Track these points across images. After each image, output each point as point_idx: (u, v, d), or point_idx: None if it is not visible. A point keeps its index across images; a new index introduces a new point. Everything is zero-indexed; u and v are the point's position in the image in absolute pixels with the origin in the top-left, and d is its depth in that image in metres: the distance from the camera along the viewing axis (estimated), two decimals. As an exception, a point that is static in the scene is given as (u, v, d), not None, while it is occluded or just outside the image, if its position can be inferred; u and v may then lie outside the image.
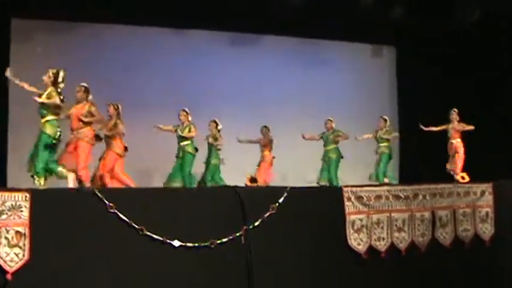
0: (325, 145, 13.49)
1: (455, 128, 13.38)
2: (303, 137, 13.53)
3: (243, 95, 15.66)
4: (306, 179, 13.93)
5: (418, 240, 11.57)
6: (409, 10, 15.68)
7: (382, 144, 13.52)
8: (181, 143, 12.21)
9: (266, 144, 13.57)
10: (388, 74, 18.18)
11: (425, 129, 13.44)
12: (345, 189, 11.17)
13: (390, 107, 14.56)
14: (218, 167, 12.98)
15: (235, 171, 12.95)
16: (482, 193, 12.24)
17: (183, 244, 9.68)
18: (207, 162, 12.96)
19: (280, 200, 10.44)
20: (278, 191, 10.71)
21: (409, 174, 16.19)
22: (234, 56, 16.03)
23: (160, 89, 14.75)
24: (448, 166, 13.36)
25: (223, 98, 14.80)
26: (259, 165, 13.56)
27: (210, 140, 12.79)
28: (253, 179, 11.79)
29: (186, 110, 12.29)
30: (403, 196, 11.52)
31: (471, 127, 13.25)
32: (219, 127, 12.92)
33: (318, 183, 13.20)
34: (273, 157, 13.73)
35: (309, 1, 14.82)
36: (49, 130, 9.76)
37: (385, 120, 13.57)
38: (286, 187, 10.81)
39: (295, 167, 15.27)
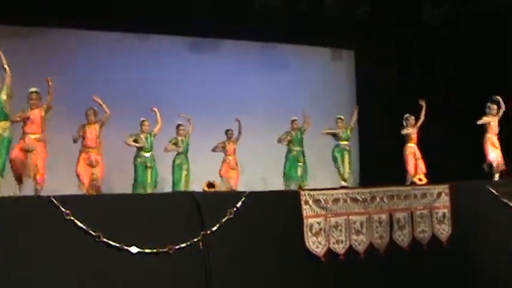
0: (293, 146, 13.45)
1: (413, 132, 13.53)
2: (279, 141, 13.48)
3: (205, 99, 15.61)
4: (271, 183, 14.03)
5: (376, 243, 11.66)
6: (368, 14, 15.80)
7: (343, 143, 13.59)
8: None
9: (231, 148, 13.53)
10: (348, 77, 18.34)
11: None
12: (302, 192, 11.23)
13: (350, 110, 14.62)
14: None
15: (201, 176, 12.76)
16: (439, 194, 12.34)
17: (141, 250, 9.68)
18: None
19: (238, 205, 10.48)
20: (236, 195, 10.78)
21: (369, 176, 16.38)
22: (194, 61, 16.00)
23: (122, 94, 14.66)
24: (408, 169, 13.45)
25: (185, 103, 14.73)
26: (223, 168, 13.49)
27: (171, 145, 12.72)
28: (210, 184, 11.75)
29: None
30: (360, 199, 11.59)
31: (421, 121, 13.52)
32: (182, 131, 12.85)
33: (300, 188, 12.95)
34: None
35: (268, 5, 14.86)
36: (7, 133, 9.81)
37: (341, 119, 13.64)
38: (244, 192, 10.87)
39: (259, 171, 15.34)
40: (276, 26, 15.89)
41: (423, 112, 13.55)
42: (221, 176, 13.28)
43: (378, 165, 16.08)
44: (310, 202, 11.10)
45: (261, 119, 16.01)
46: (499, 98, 13.75)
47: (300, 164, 13.35)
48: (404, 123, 13.63)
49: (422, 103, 13.57)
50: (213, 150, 13.46)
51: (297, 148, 13.41)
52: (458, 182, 12.77)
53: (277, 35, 16.49)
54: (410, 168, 13.45)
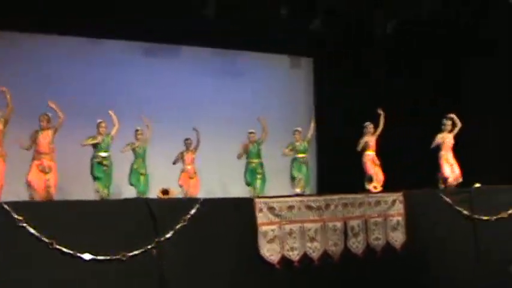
0: (251, 158, 13.30)
1: (371, 140, 13.63)
2: (238, 158, 13.37)
3: (159, 106, 15.46)
4: (231, 191, 14.09)
5: (330, 250, 11.72)
6: (325, 21, 15.85)
7: (300, 156, 13.44)
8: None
9: (189, 157, 13.46)
10: (306, 85, 18.26)
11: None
12: (256, 200, 11.28)
13: (309, 118, 14.66)
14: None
15: (158, 183, 12.64)
16: (393, 202, 12.44)
17: (94, 257, 9.65)
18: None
19: (192, 212, 10.48)
20: (190, 202, 10.80)
21: (326, 184, 16.44)
22: (149, 67, 15.81)
23: (75, 99, 14.53)
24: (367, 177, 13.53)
25: (139, 109, 14.59)
26: (182, 177, 13.43)
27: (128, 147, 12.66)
28: (165, 191, 11.73)
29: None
30: (315, 206, 11.66)
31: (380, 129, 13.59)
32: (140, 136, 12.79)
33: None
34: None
35: (226, 12, 14.87)
36: None
37: (299, 131, 13.52)
38: (198, 199, 10.90)
39: (219, 179, 15.31)
40: (234, 32, 15.87)
41: (382, 120, 13.63)
42: (180, 186, 13.20)
43: (336, 174, 16.06)
44: (265, 209, 11.15)
45: (220, 126, 15.86)
46: (453, 115, 13.97)
47: (259, 175, 13.23)
48: (364, 130, 13.68)
49: (380, 111, 13.67)
50: (174, 163, 13.35)
51: (255, 160, 13.28)
52: (412, 190, 12.86)
53: (235, 42, 16.46)
54: (370, 175, 13.49)
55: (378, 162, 13.62)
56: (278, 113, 16.22)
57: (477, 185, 13.79)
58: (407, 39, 16.80)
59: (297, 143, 13.40)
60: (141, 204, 10.46)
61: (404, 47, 17.00)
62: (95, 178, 11.87)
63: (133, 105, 14.67)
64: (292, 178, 13.27)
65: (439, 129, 13.98)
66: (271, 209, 11.20)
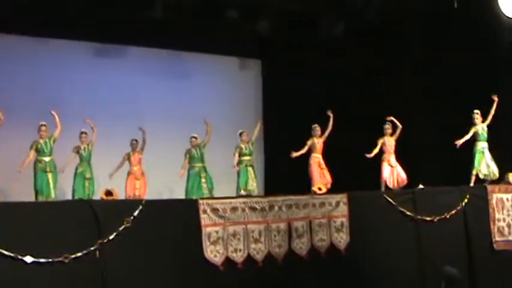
0: (194, 163, 13.30)
1: (318, 142, 13.70)
2: (180, 175, 13.35)
3: (108, 107, 15.44)
4: (177, 193, 13.99)
5: (274, 251, 11.76)
6: (274, 23, 15.86)
7: (246, 158, 13.41)
8: None
9: (136, 158, 13.41)
10: (255, 87, 18.35)
11: (295, 155, 13.58)
12: (200, 201, 11.30)
13: (256, 119, 14.74)
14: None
15: (105, 185, 12.62)
16: (338, 204, 12.52)
17: (36, 260, 9.58)
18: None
19: (135, 213, 10.46)
20: (133, 204, 10.78)
21: (273, 186, 16.43)
22: (98, 67, 15.79)
23: (20, 98, 14.41)
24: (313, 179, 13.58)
25: (88, 110, 14.51)
26: (128, 179, 13.31)
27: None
28: (108, 192, 11.69)
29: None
30: (259, 208, 11.71)
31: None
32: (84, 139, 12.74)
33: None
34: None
35: (174, 13, 14.84)
36: None
37: (245, 133, 13.49)
38: (141, 200, 10.91)
39: (165, 181, 15.17)
40: (182, 34, 15.87)
41: (331, 122, 13.72)
42: (127, 187, 13.18)
43: (284, 176, 16.12)
44: (208, 211, 11.17)
45: (168, 128, 15.87)
46: (392, 118, 14.21)
47: (203, 180, 13.21)
48: (312, 133, 13.74)
49: (330, 113, 13.75)
50: (119, 166, 13.32)
51: (198, 164, 13.27)
52: (356, 191, 12.98)
53: (183, 43, 16.49)
54: (316, 178, 13.54)
55: (323, 165, 13.70)
56: (226, 115, 16.27)
57: (420, 186, 13.95)
58: (357, 41, 16.86)
59: (243, 146, 13.38)
60: (84, 206, 10.41)
61: (354, 48, 17.07)
62: (37, 184, 11.88)
63: (79, 106, 14.65)
64: (239, 180, 13.28)
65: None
66: (214, 210, 11.22)
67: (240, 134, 13.48)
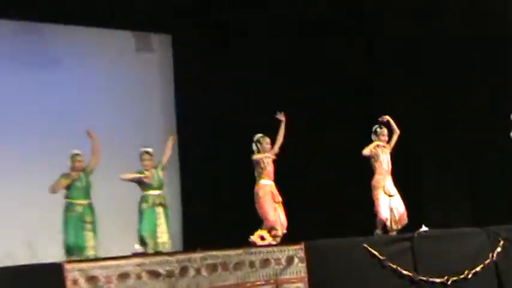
0: (73, 198, 9.13)
1: (267, 162, 9.71)
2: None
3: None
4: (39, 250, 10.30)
5: None
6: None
7: (152, 193, 9.39)
8: None
9: None
10: (162, 70, 13.67)
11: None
12: (67, 266, 7.34)
13: (166, 115, 11.06)
14: None
15: None
16: (290, 260, 8.49)
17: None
18: None
19: None
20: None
21: (195, 236, 12.18)
22: None
23: None
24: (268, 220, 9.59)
25: None
26: None
27: None
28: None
29: None
30: (164, 272, 7.62)
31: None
32: None
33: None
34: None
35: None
36: None
37: (149, 154, 9.46)
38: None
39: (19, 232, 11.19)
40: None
41: (282, 130, 9.77)
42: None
43: (213, 218, 12.11)
44: (82, 281, 7.25)
45: (29, 140, 11.94)
46: (388, 118, 10.39)
47: (88, 225, 9.08)
48: (255, 147, 9.71)
49: (282, 117, 9.82)
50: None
51: (81, 201, 9.13)
52: (320, 240, 9.02)
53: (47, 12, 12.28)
54: (270, 217, 9.48)
55: (278, 196, 9.67)
56: (121, 120, 12.31)
57: (423, 228, 9.88)
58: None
59: (147, 173, 9.31)
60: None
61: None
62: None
63: None
64: (140, 227, 9.22)
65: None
66: (91, 279, 7.31)
67: (142, 155, 9.44)
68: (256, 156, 9.65)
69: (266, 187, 9.64)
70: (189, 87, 13.46)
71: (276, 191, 9.71)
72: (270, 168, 9.69)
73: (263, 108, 11.09)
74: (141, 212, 9.22)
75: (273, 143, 9.72)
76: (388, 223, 10.01)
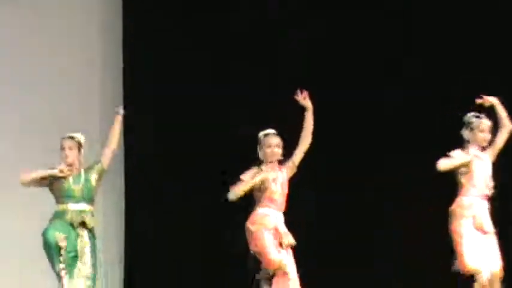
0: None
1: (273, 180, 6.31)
2: None
3: None
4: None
5: None
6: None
7: (74, 206, 6.29)
8: None
9: None
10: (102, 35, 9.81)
11: None
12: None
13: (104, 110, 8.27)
14: None
15: None
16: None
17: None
18: None
19: None
20: None
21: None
22: None
23: None
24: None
25: None
26: None
27: None
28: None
29: None
30: None
31: None
32: None
33: None
34: None
35: None
36: None
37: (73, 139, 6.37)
38: None
39: None
40: None
41: (309, 123, 6.35)
42: None
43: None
44: None
45: None
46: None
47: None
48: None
49: (305, 100, 6.39)
50: None
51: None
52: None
53: None
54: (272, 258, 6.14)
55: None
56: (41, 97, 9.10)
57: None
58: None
59: (70, 179, 6.31)
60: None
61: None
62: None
63: None
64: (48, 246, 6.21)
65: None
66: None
67: (63, 144, 6.35)
68: (252, 173, 6.33)
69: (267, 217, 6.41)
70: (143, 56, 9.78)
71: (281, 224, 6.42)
72: (274, 188, 6.36)
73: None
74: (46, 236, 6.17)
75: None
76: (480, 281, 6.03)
